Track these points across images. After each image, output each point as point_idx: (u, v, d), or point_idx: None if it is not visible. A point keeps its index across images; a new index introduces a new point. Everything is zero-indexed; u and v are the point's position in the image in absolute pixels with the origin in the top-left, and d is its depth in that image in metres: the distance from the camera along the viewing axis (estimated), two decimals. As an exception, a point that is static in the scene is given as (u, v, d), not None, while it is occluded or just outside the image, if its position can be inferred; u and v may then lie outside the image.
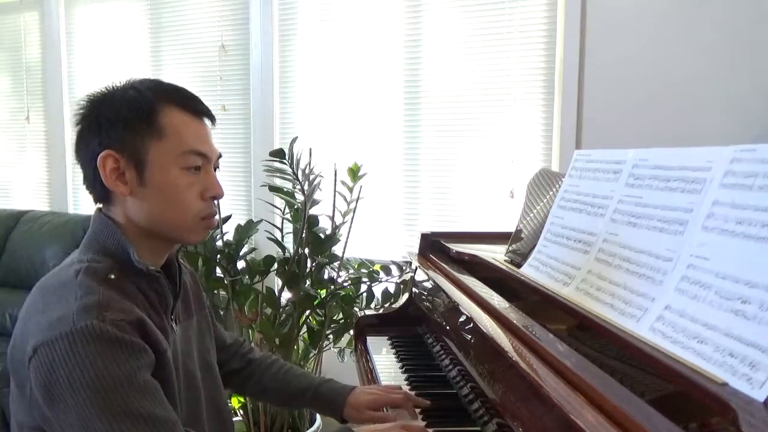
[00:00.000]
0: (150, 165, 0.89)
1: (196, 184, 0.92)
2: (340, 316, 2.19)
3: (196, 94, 0.97)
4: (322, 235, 2.13)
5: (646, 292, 0.84)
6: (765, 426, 0.56)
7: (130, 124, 0.88)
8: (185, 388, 0.95)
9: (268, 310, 2.19)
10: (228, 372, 1.20)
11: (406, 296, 1.66)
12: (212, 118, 0.97)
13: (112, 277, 0.86)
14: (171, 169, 0.90)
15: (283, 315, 2.16)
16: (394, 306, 1.77)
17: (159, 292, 0.93)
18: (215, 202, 0.96)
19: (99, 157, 0.88)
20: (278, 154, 1.99)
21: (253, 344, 2.25)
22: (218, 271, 2.21)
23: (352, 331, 1.74)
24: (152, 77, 0.97)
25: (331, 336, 2.22)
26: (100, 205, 0.95)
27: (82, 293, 0.81)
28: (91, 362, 0.75)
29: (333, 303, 2.16)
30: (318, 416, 2.28)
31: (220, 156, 0.98)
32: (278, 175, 2.07)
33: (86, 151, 0.90)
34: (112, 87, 0.92)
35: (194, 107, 0.94)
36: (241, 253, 2.22)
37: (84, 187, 0.95)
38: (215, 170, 0.97)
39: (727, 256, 0.73)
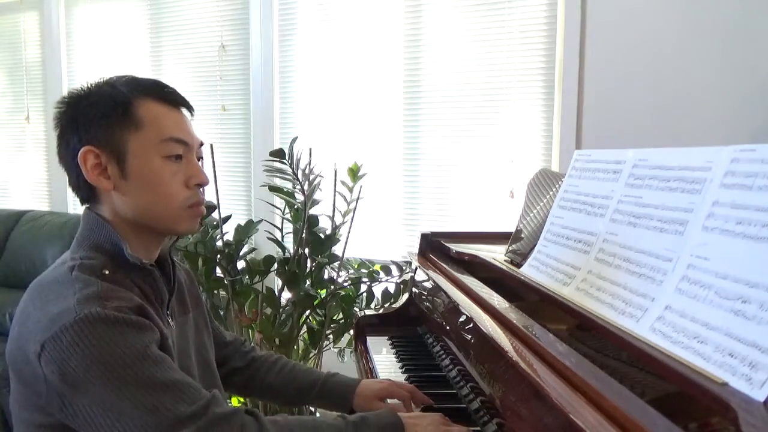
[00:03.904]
0: (131, 157, 0.89)
1: (179, 173, 0.92)
2: (340, 316, 2.19)
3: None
4: (322, 235, 2.13)
5: (646, 292, 0.84)
6: (765, 426, 0.56)
7: (107, 119, 0.88)
8: None
9: (268, 310, 2.20)
10: (230, 371, 1.19)
11: (406, 296, 1.66)
12: (190, 108, 0.97)
13: (106, 272, 0.86)
14: (152, 158, 0.90)
15: (283, 315, 2.16)
16: (394, 306, 1.77)
17: (153, 287, 0.93)
18: (201, 190, 0.96)
19: (79, 153, 0.88)
20: (278, 154, 1.99)
21: (253, 344, 2.25)
22: (218, 271, 2.21)
23: (352, 331, 1.74)
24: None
25: (331, 336, 2.22)
26: (88, 205, 0.95)
27: (80, 286, 0.81)
28: (101, 345, 0.76)
29: (333, 303, 2.16)
30: (318, 416, 2.28)
31: (201, 144, 0.98)
32: (278, 175, 2.07)
33: (67, 151, 0.91)
34: (88, 86, 0.93)
35: (170, 98, 0.94)
36: (241, 253, 2.22)
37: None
38: (199, 160, 0.97)
39: (727, 256, 0.73)
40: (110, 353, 0.76)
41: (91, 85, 0.93)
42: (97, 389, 0.76)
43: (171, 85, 0.96)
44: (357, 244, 2.28)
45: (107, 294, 0.81)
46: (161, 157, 0.90)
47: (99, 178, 0.89)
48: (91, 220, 0.91)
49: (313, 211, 2.11)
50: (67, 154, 0.91)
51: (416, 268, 1.62)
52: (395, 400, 1.13)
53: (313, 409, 2.27)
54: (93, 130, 0.88)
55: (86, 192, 0.92)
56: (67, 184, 0.95)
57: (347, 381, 1.16)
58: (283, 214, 2.21)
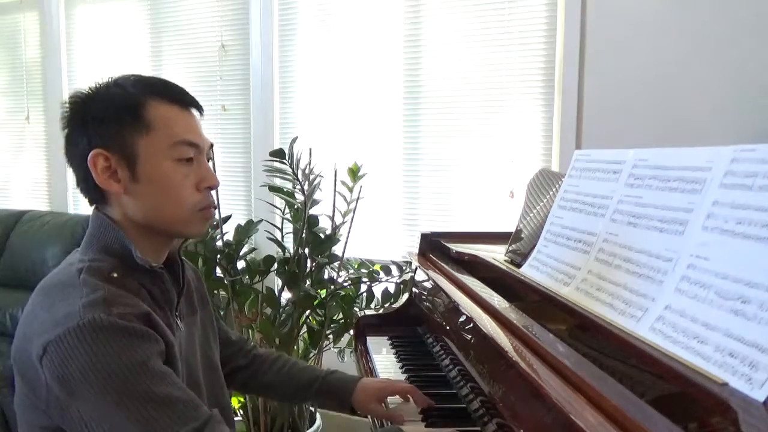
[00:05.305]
0: (141, 160, 0.88)
1: (190, 176, 0.91)
2: (340, 316, 2.18)
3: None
4: (322, 235, 2.13)
5: (646, 292, 0.84)
6: (765, 426, 0.56)
7: (116, 121, 0.87)
8: (187, 385, 0.95)
9: (268, 310, 2.19)
10: (233, 369, 1.19)
11: (406, 296, 1.66)
12: (200, 108, 0.96)
13: (115, 275, 0.85)
14: (163, 162, 0.89)
15: (283, 315, 2.16)
16: (394, 306, 1.77)
17: (162, 289, 0.93)
18: (212, 192, 0.95)
19: (89, 156, 0.87)
20: (278, 154, 1.99)
21: (254, 344, 2.25)
22: (218, 271, 2.20)
23: (352, 331, 1.74)
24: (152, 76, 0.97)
25: (331, 336, 2.22)
26: (97, 205, 0.94)
27: (87, 291, 0.80)
28: (102, 353, 0.75)
29: (333, 303, 2.15)
30: (318, 416, 2.28)
31: (211, 146, 0.97)
32: (278, 175, 2.07)
33: (75, 153, 0.90)
34: (95, 86, 0.91)
35: (180, 98, 0.92)
36: (241, 253, 2.22)
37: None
38: (208, 161, 0.96)
39: (727, 256, 0.73)
40: (110, 362, 0.75)
41: (98, 85, 0.91)
42: (93, 397, 0.75)
43: (180, 85, 0.94)
44: (357, 244, 2.27)
45: (113, 300, 0.80)
46: (172, 160, 0.89)
47: (109, 181, 0.88)
48: (100, 221, 0.90)
49: (313, 211, 2.11)
50: (75, 156, 0.90)
51: (416, 268, 1.62)
52: (396, 400, 1.13)
53: (312, 409, 2.27)
54: (103, 133, 0.87)
55: (95, 194, 0.91)
56: (75, 184, 0.94)
57: (346, 378, 1.16)
58: (283, 214, 2.21)
